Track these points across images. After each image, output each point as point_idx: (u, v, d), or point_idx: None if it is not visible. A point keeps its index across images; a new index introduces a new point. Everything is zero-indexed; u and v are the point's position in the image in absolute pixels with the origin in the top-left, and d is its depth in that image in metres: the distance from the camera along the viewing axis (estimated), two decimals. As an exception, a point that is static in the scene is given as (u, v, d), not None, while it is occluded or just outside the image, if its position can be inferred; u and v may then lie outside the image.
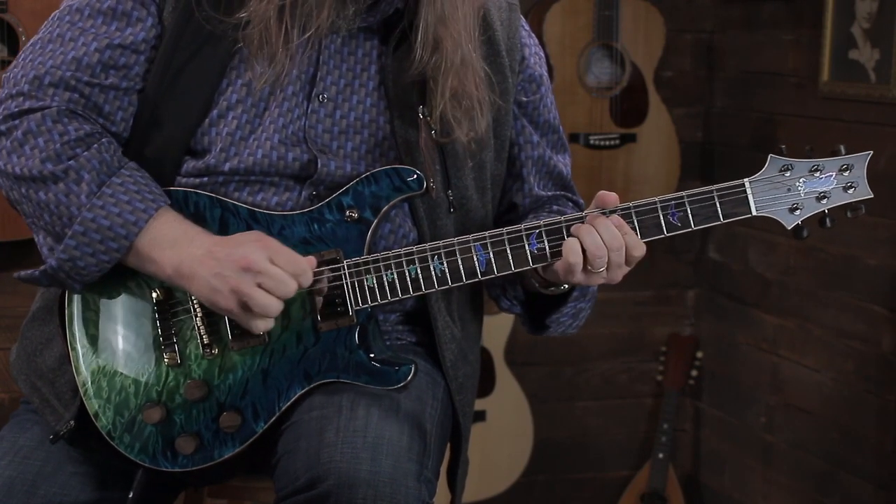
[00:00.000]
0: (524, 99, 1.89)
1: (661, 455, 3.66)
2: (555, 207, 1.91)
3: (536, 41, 1.93)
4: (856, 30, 3.08)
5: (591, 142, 3.47)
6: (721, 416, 3.73)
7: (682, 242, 3.75)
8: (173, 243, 1.66)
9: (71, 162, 1.68)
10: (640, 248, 1.71)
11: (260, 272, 1.63)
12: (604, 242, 1.69)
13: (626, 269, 1.72)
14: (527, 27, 1.92)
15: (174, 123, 1.75)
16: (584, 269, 1.69)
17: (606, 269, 1.70)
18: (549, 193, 1.91)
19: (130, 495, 1.74)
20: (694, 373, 3.74)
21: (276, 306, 1.65)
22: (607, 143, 3.48)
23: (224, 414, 1.71)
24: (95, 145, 1.70)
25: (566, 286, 1.80)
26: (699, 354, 3.76)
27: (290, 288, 1.65)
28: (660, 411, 3.73)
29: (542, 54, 1.92)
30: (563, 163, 1.94)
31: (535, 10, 3.44)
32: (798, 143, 3.60)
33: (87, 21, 1.74)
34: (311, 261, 1.68)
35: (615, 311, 3.73)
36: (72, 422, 1.73)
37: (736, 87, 3.62)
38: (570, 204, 1.94)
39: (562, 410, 3.77)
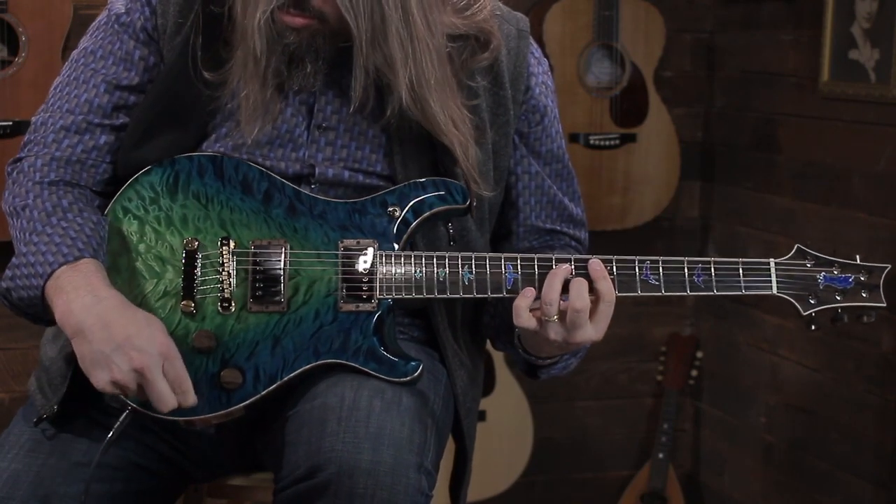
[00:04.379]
0: (526, 130, 1.90)
1: (661, 455, 3.66)
2: (556, 245, 1.94)
3: (546, 68, 1.93)
4: (856, 30, 3.08)
5: (591, 142, 3.47)
6: (721, 416, 3.73)
7: (682, 242, 3.75)
8: (71, 291, 1.67)
9: (30, 200, 1.76)
10: (610, 296, 1.74)
11: (148, 381, 1.64)
12: (565, 295, 1.70)
13: (589, 333, 1.73)
14: (537, 53, 1.91)
15: (163, 145, 1.80)
16: (539, 319, 1.71)
17: (563, 325, 1.71)
18: (548, 226, 1.94)
19: (110, 435, 1.71)
20: (694, 373, 3.75)
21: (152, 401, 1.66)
22: (607, 143, 3.48)
23: (226, 370, 1.72)
24: (61, 191, 1.78)
25: (549, 360, 1.83)
26: (699, 354, 3.76)
27: (167, 406, 1.65)
28: (660, 411, 3.73)
29: (549, 83, 1.93)
30: (568, 191, 1.96)
31: (535, 10, 3.44)
32: (798, 143, 3.60)
33: (98, 62, 1.84)
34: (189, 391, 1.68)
35: (615, 311, 3.71)
36: (55, 407, 1.75)
37: (736, 87, 3.62)
38: (574, 242, 1.96)
39: (562, 410, 3.77)
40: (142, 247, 1.77)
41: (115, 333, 1.63)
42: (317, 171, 1.80)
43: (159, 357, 1.64)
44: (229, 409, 1.72)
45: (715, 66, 3.70)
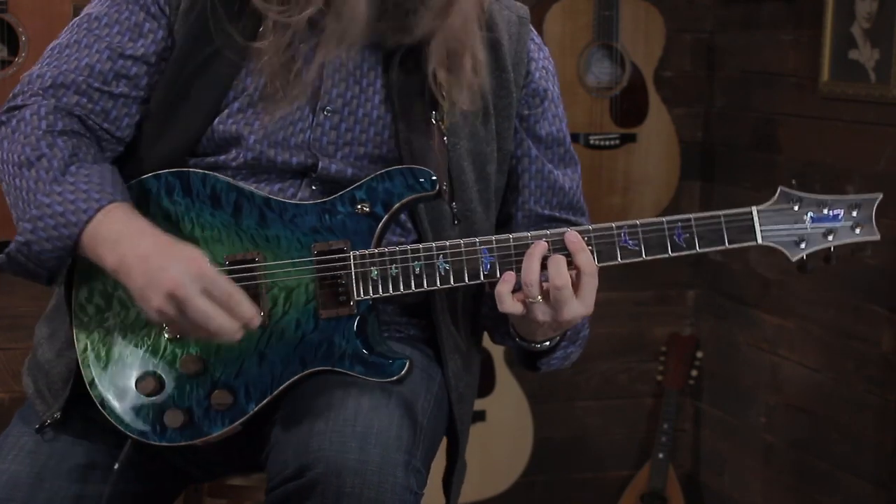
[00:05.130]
0: (526, 112, 1.90)
1: (661, 455, 3.66)
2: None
3: (546, 54, 1.93)
4: (856, 30, 3.08)
5: (591, 142, 3.47)
6: (721, 416, 3.73)
7: (682, 242, 3.75)
8: (116, 241, 1.65)
9: (45, 150, 1.71)
10: (591, 268, 1.69)
11: (182, 299, 1.60)
12: (544, 275, 1.68)
13: (576, 309, 1.69)
14: (537, 40, 1.92)
15: (181, 130, 1.78)
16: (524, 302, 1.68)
17: (548, 304, 1.68)
18: (547, 213, 1.92)
19: (116, 466, 1.72)
20: (694, 373, 3.75)
21: (202, 333, 1.63)
22: (607, 143, 3.48)
23: (216, 391, 1.72)
24: (75, 139, 1.74)
25: (547, 343, 1.80)
26: (699, 354, 3.76)
27: (219, 325, 1.62)
28: (660, 411, 3.73)
29: (550, 69, 1.93)
30: (569, 176, 1.94)
31: (535, 10, 3.44)
32: (798, 143, 3.61)
33: (103, 29, 1.80)
34: (245, 304, 1.64)
35: (615, 311, 3.73)
36: (58, 414, 1.75)
37: (736, 87, 3.62)
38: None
39: (562, 410, 3.77)
40: None
41: (151, 264, 1.61)
42: (319, 165, 1.78)
43: (194, 278, 1.60)
44: (226, 429, 1.72)
45: (715, 66, 3.70)
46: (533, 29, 1.92)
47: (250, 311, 1.63)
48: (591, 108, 3.47)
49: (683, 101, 3.70)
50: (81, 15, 1.83)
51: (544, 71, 1.91)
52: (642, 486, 3.70)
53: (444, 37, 1.75)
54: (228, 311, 1.62)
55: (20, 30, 2.97)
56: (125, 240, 1.65)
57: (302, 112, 1.79)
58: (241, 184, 1.76)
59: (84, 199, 1.67)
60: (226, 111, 1.78)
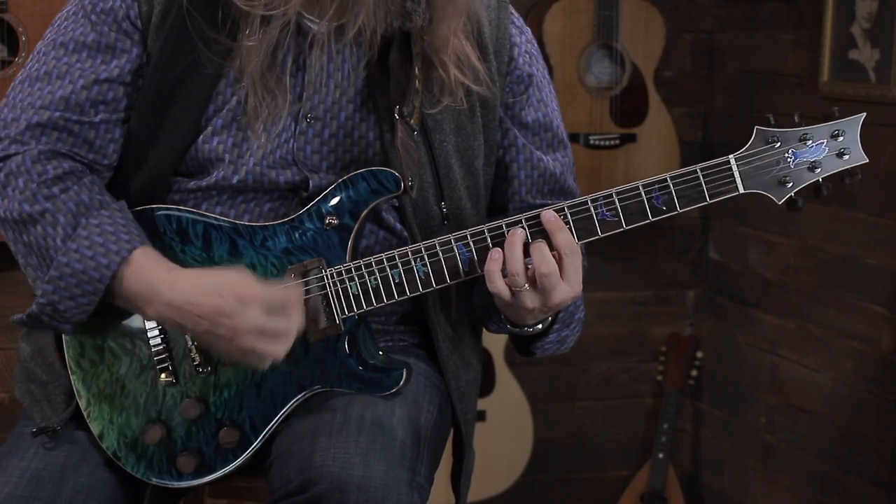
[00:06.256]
0: (511, 100, 1.86)
1: (661, 455, 3.66)
2: None
3: (529, 37, 1.88)
4: (856, 30, 3.08)
5: (591, 142, 3.47)
6: (721, 416, 3.73)
7: (682, 242, 3.75)
8: (149, 292, 1.64)
9: (48, 204, 1.68)
10: (572, 247, 1.66)
11: (260, 332, 1.63)
12: (528, 262, 1.65)
13: (564, 292, 1.66)
14: (518, 22, 1.87)
15: (163, 149, 1.74)
16: (511, 291, 1.66)
17: (535, 290, 1.66)
18: (540, 202, 1.88)
19: None
20: (694, 373, 3.75)
21: (283, 350, 1.65)
22: (607, 143, 3.48)
23: (223, 430, 1.72)
24: (75, 186, 1.70)
25: (539, 326, 1.77)
26: (699, 354, 3.76)
27: (292, 335, 1.65)
28: (660, 411, 3.73)
29: (533, 52, 1.88)
30: (559, 161, 1.90)
31: (535, 10, 3.44)
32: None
33: (72, 56, 1.74)
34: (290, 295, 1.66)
35: (615, 311, 3.73)
36: (59, 427, 1.74)
37: (736, 87, 3.62)
38: None
39: (562, 410, 3.77)
40: (108, 327, 1.73)
41: (204, 315, 1.62)
42: (311, 183, 1.75)
43: (243, 306, 1.61)
44: (238, 463, 1.73)
45: (715, 66, 3.70)
46: (513, 11, 1.87)
47: (294, 323, 1.65)
48: (591, 107, 3.47)
49: (683, 101, 3.70)
50: (47, 42, 1.77)
51: (527, 56, 1.86)
52: (642, 486, 3.70)
53: (431, 30, 1.72)
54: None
55: (20, 30, 2.97)
56: (158, 290, 1.63)
57: (284, 122, 1.74)
58: (207, 214, 1.73)
59: (103, 254, 1.64)
60: (209, 128, 1.74)
